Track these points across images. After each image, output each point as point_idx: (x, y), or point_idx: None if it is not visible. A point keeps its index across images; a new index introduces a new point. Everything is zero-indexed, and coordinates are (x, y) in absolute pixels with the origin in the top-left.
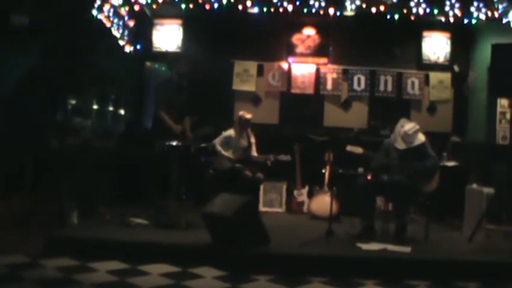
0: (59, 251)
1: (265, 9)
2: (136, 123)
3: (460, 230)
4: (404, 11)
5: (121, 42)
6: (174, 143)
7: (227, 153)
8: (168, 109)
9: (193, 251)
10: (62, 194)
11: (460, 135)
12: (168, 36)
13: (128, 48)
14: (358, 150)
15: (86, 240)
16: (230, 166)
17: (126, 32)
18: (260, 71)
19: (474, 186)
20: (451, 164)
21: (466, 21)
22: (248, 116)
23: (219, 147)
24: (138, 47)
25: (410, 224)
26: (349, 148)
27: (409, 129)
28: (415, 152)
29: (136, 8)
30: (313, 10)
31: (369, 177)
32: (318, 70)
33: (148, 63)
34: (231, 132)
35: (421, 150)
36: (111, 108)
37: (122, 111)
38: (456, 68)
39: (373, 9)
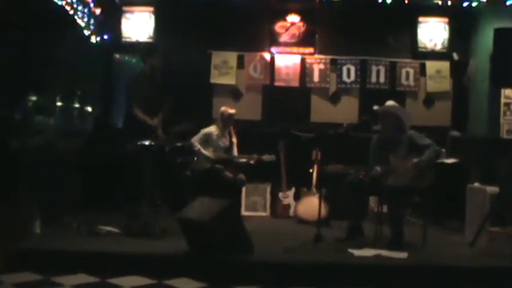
0: (19, 265)
1: None
2: (105, 121)
3: (461, 233)
4: None
5: (86, 32)
6: (147, 143)
7: (206, 153)
8: (141, 105)
9: (169, 261)
10: (23, 201)
11: (460, 130)
12: (138, 25)
13: (95, 39)
14: (338, 168)
15: (49, 252)
16: (209, 167)
17: (91, 21)
18: (240, 63)
19: (476, 185)
20: (450, 161)
21: (465, 4)
22: (231, 111)
23: (197, 146)
24: (106, 37)
25: (406, 227)
26: (330, 169)
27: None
28: (408, 144)
29: None
30: None
31: (361, 176)
32: (303, 61)
33: (117, 55)
34: (211, 129)
35: (413, 141)
36: (77, 105)
37: (89, 108)
38: (455, 56)
39: None
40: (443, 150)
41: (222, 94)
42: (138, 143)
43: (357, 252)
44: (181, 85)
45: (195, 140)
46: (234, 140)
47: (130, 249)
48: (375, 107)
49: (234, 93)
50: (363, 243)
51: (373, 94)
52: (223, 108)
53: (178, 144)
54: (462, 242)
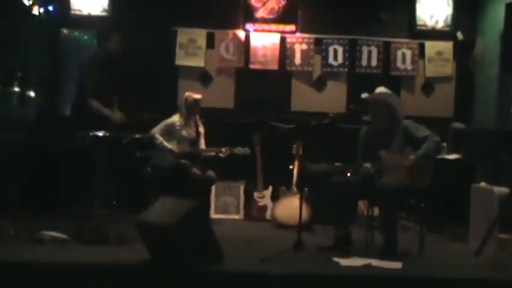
0: None
1: None
2: (51, 108)
3: (465, 240)
4: None
5: (27, 2)
6: (101, 134)
7: (170, 146)
8: (98, 93)
9: (126, 271)
10: None
11: (464, 121)
12: None
13: (37, 11)
14: (323, 167)
15: None
16: (173, 162)
17: None
18: (210, 42)
19: (482, 184)
20: (452, 156)
21: None
22: (196, 96)
23: (159, 138)
24: (51, 8)
25: (401, 233)
26: (312, 168)
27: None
28: (403, 137)
29: None
30: None
31: (349, 174)
32: (283, 40)
33: (65, 31)
34: (174, 119)
35: (409, 132)
36: (17, 90)
37: (32, 93)
38: (459, 36)
39: None
40: (444, 144)
41: (188, 78)
42: (90, 133)
43: (343, 262)
44: (140, 67)
45: (157, 131)
46: (202, 130)
47: (80, 259)
48: (364, 95)
49: (202, 77)
50: (350, 252)
51: (364, 79)
52: (187, 94)
53: (137, 135)
54: (466, 251)
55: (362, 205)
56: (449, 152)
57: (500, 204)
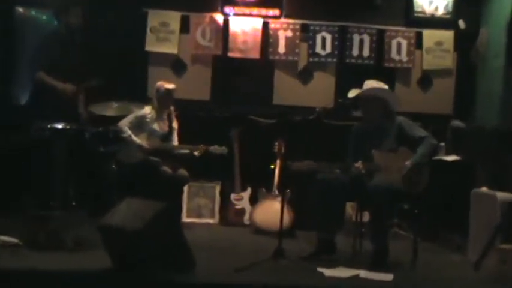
0: None
1: None
2: (4, 96)
3: (463, 251)
4: None
5: None
6: (60, 126)
7: (138, 140)
8: (53, 73)
9: (86, 281)
10: None
11: (464, 119)
12: None
13: None
14: (310, 165)
15: None
16: (142, 159)
17: None
18: (185, 26)
19: (484, 189)
20: (451, 158)
21: None
22: (169, 86)
23: (127, 131)
24: None
25: (393, 241)
26: (295, 167)
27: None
28: (397, 135)
29: None
30: None
31: (336, 174)
32: (266, 26)
33: (20, 9)
34: (145, 110)
35: (404, 131)
36: None
37: None
38: (461, 25)
39: None
40: (442, 144)
41: (160, 66)
42: (48, 125)
43: (328, 272)
44: (107, 53)
45: (124, 124)
46: (175, 125)
47: (34, 266)
48: (352, 94)
49: (175, 66)
50: (336, 261)
51: (355, 71)
52: (159, 83)
53: (101, 128)
54: (464, 263)
55: (350, 209)
56: (448, 153)
57: (503, 212)
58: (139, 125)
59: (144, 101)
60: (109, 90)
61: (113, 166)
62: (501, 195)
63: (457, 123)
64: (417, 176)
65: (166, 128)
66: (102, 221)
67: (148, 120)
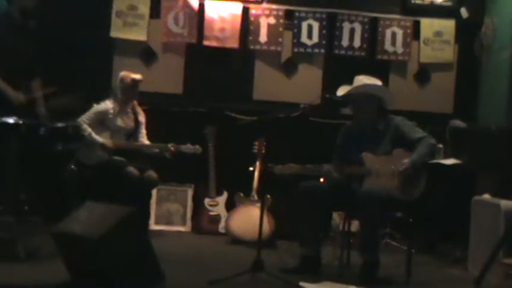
0: None
1: None
2: None
3: (463, 265)
4: None
5: None
6: (11, 121)
7: (101, 138)
8: (3, 66)
9: None
10: None
11: (465, 118)
12: None
13: None
14: (291, 169)
15: None
16: (104, 159)
17: None
18: (155, 10)
19: (486, 197)
20: (450, 162)
21: None
22: (137, 77)
23: (87, 128)
24: None
25: (385, 254)
26: (277, 170)
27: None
28: (393, 136)
29: None
30: None
31: (322, 180)
32: (246, 11)
33: None
34: (108, 105)
35: (400, 131)
36: None
37: None
38: (464, 13)
39: None
40: (441, 146)
41: (127, 55)
42: None
43: (311, 287)
44: (66, 39)
45: (84, 120)
46: (142, 119)
47: None
48: (341, 92)
49: (144, 54)
50: (321, 275)
51: (344, 63)
52: (123, 73)
53: (59, 124)
54: (464, 278)
55: (337, 217)
56: (447, 156)
57: (507, 222)
58: (101, 121)
59: (108, 93)
60: (69, 81)
61: (72, 167)
62: (505, 203)
63: (457, 123)
64: (413, 181)
65: (131, 124)
66: (59, 227)
67: (111, 115)
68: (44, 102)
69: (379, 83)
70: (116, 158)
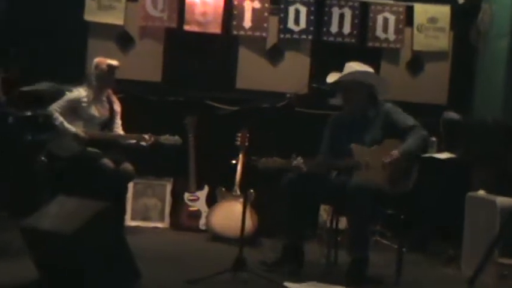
0: None
1: None
2: None
3: (456, 264)
4: None
5: None
6: None
7: (73, 128)
8: None
9: None
10: None
11: (460, 110)
12: None
13: None
14: (276, 163)
15: None
16: (77, 150)
17: None
18: None
19: (481, 193)
20: (443, 156)
21: None
22: (113, 63)
23: (59, 117)
24: None
25: (374, 252)
26: (261, 164)
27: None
28: (383, 124)
29: None
30: None
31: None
32: None
33: None
34: (81, 92)
35: (390, 118)
36: None
37: None
38: None
39: None
40: (434, 139)
41: (102, 40)
42: None
43: (296, 287)
44: (35, 22)
45: (56, 108)
46: (118, 108)
47: None
48: (330, 79)
49: (121, 39)
50: (307, 274)
51: (333, 51)
52: (98, 59)
53: (29, 113)
54: (457, 278)
55: (324, 213)
56: (440, 150)
57: (503, 219)
58: (74, 110)
59: (81, 80)
60: (37, 68)
61: (43, 158)
62: (501, 200)
63: (451, 115)
64: (403, 173)
65: (106, 113)
66: (28, 223)
67: (84, 104)
68: (6, 90)
69: (371, 70)
70: (90, 149)
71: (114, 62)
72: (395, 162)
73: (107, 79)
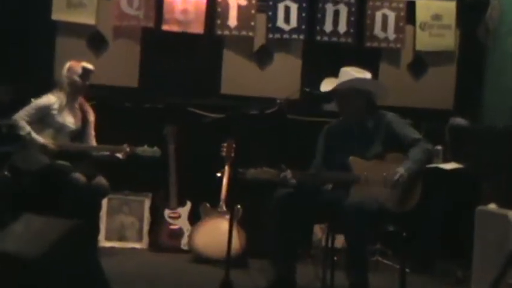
0: None
1: None
2: None
3: (466, 286)
4: None
5: None
6: None
7: (42, 139)
8: None
9: None
10: None
11: (468, 116)
12: None
13: None
14: (268, 174)
15: None
16: (46, 163)
17: None
18: None
19: (492, 207)
20: (450, 166)
21: None
22: (88, 66)
23: (26, 127)
24: None
25: (374, 273)
26: (249, 175)
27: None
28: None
29: None
30: None
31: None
32: None
33: None
34: (50, 99)
35: (392, 130)
36: None
37: None
38: None
39: None
40: (439, 147)
41: (72, 41)
42: None
43: None
44: None
45: (22, 117)
46: (91, 117)
47: None
48: (325, 87)
49: (93, 41)
50: None
51: (327, 51)
52: (71, 63)
53: None
54: None
55: (319, 231)
56: (446, 160)
57: None
58: (43, 119)
59: (50, 86)
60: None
61: (6, 172)
62: None
63: (458, 121)
64: (407, 191)
65: (78, 122)
66: None
67: (54, 111)
68: None
69: (369, 76)
70: (59, 162)
71: (90, 66)
72: (399, 182)
73: (80, 85)
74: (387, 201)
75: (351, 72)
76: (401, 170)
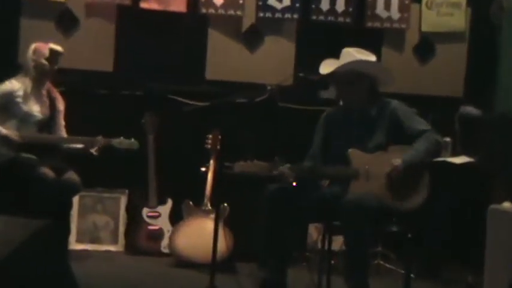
0: None
1: None
2: None
3: None
4: None
5: None
6: None
7: (4, 130)
8: None
9: None
10: None
11: (479, 105)
12: None
13: None
14: (258, 167)
15: None
16: (9, 157)
17: None
18: None
19: (506, 205)
20: (460, 160)
21: None
22: (56, 48)
23: None
24: None
25: (375, 278)
26: (238, 168)
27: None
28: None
29: None
30: None
31: (294, 184)
32: None
33: None
34: (13, 85)
35: (398, 119)
36: None
37: None
38: None
39: None
40: (448, 139)
41: (39, 20)
42: None
43: None
44: None
45: None
46: (61, 106)
47: None
48: (324, 69)
49: (63, 20)
50: None
51: (324, 33)
52: (38, 44)
53: None
54: None
55: (314, 232)
56: (455, 153)
57: None
58: (5, 107)
59: (14, 71)
60: None
61: None
62: None
63: (469, 109)
64: (409, 187)
65: (46, 111)
66: None
67: (18, 99)
68: None
69: (373, 58)
70: (25, 155)
71: (58, 48)
72: (396, 175)
73: (47, 69)
74: (389, 198)
75: (353, 54)
76: (396, 162)
